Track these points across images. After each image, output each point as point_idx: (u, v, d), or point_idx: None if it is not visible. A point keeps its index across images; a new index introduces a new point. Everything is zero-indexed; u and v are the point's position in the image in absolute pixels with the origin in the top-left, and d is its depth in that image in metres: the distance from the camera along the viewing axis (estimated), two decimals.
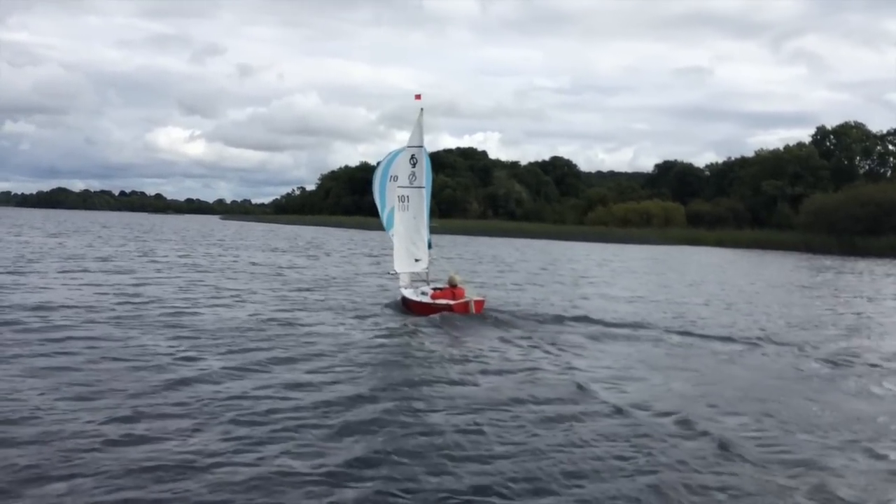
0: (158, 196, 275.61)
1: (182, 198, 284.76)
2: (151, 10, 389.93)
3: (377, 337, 13.75)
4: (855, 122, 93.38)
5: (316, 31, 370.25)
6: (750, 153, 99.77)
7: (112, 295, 17.68)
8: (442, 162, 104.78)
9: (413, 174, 17.93)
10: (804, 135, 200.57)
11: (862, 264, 45.90)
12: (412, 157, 17.92)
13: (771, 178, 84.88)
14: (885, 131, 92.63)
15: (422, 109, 17.86)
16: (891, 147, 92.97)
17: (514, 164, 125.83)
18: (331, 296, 19.85)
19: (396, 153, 18.92)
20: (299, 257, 36.42)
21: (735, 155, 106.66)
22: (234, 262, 31.26)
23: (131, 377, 9.57)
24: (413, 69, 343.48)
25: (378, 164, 20.19)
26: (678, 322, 16.75)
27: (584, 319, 16.30)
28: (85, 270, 23.86)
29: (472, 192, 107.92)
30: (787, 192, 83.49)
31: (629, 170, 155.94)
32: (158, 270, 25.31)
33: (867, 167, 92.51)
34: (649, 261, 44.71)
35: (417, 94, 17.95)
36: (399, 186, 17.92)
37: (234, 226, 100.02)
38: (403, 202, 17.92)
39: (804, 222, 68.52)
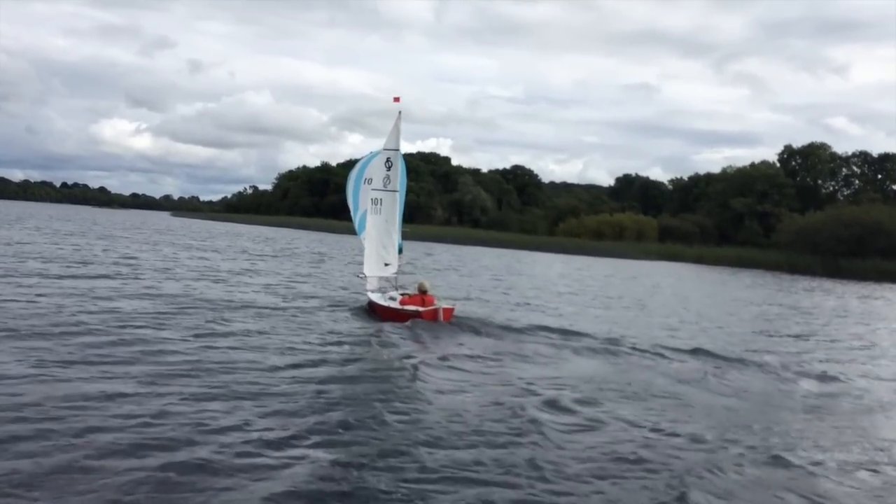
0: (102, 189, 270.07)
1: (126, 192, 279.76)
2: None
3: (339, 342, 13.84)
4: (821, 143, 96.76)
5: (270, 29, 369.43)
6: (696, 170, 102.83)
7: (77, 310, 14.63)
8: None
9: (388, 177, 18.20)
10: (748, 154, 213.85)
11: (852, 287, 46.09)
12: (388, 160, 18.15)
13: (738, 196, 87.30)
14: (850, 153, 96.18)
15: (399, 112, 18.02)
16: (855, 168, 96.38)
17: (476, 172, 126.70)
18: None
19: (373, 155, 19.08)
20: (286, 263, 34.47)
21: (682, 171, 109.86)
22: (212, 267, 28.59)
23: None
24: (367, 72, 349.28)
25: (354, 164, 20.45)
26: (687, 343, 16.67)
27: (561, 332, 16.56)
28: (42, 275, 20.23)
29: (435, 197, 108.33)
30: (755, 209, 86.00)
31: (579, 181, 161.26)
32: (135, 277, 22.09)
33: (831, 188, 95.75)
34: (638, 277, 44.03)
35: (396, 96, 18.14)
36: (373, 189, 18.14)
37: (190, 224, 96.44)
38: (376, 205, 18.15)
39: (785, 242, 69.33)
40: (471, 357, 13.05)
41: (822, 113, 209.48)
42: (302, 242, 58.35)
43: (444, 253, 55.95)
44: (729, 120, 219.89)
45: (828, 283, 49.30)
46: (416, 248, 56.14)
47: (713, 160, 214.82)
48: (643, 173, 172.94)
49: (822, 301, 34.03)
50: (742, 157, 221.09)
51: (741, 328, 21.19)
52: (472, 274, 35.88)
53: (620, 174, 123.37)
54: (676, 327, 20.11)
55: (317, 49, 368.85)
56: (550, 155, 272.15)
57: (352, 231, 20.13)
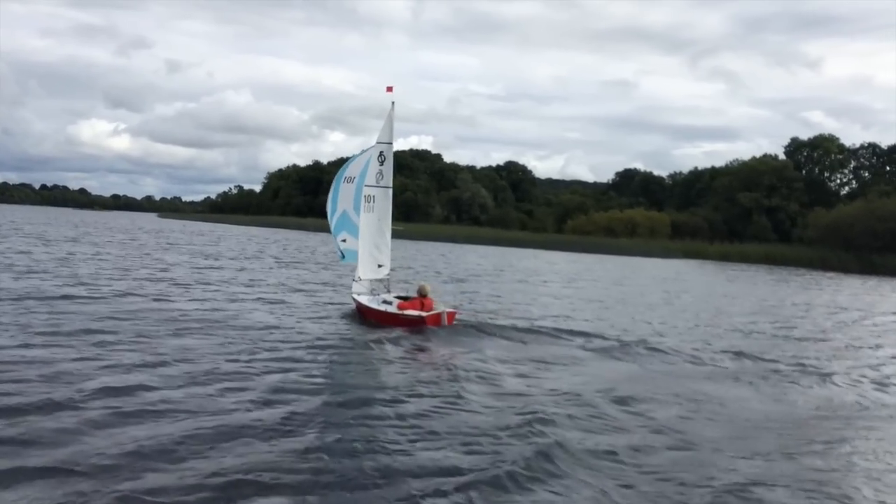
0: (83, 191, 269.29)
1: (107, 193, 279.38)
2: None
3: (342, 352, 13.18)
4: (829, 135, 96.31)
5: (248, 28, 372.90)
6: (677, 165, 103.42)
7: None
8: (399, 163, 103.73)
9: (381, 172, 17.51)
10: (728, 149, 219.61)
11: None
12: (381, 153, 17.46)
13: (745, 190, 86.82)
14: (857, 145, 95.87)
15: (393, 103, 17.46)
16: (863, 160, 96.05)
17: (471, 168, 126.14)
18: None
19: (357, 156, 18.77)
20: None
21: (663, 165, 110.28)
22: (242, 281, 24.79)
23: None
24: (348, 70, 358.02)
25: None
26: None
27: (580, 334, 16.13)
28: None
29: (432, 195, 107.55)
30: (763, 203, 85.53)
31: (561, 177, 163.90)
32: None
33: (838, 181, 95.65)
34: (692, 281, 41.05)
35: (389, 86, 17.58)
36: (366, 185, 17.43)
37: (182, 226, 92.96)
38: (370, 202, 17.42)
39: (813, 237, 68.07)
40: (476, 364, 12.41)
41: (799, 107, 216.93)
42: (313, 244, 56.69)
43: (469, 254, 54.61)
44: (708, 115, 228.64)
45: (875, 282, 48.09)
46: (430, 249, 55.54)
47: (693, 155, 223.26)
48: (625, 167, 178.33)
49: None
50: (722, 151, 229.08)
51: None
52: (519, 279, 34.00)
53: (599, 168, 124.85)
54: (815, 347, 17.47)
55: (297, 47, 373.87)
56: (532, 151, 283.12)
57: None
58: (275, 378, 10.41)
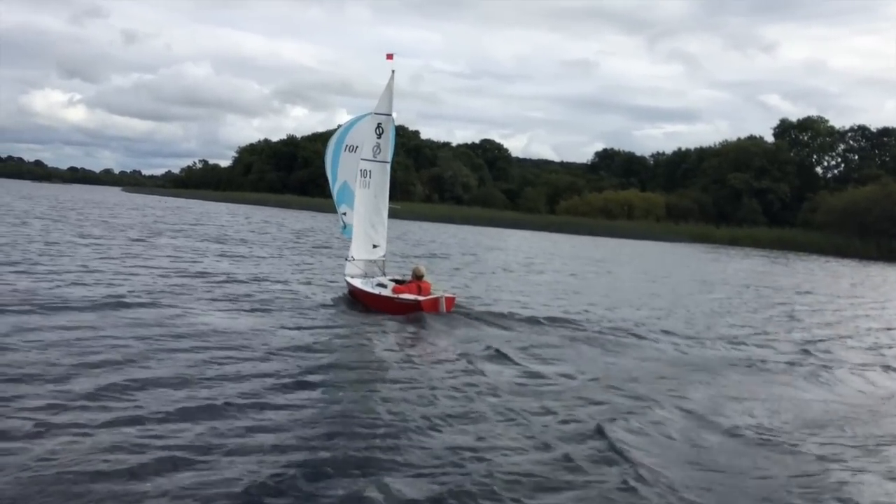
0: (38, 163, 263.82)
1: (63, 166, 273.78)
2: None
3: (330, 339, 12.48)
4: (818, 116, 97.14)
5: None
6: (638, 146, 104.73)
7: None
8: None
9: (378, 146, 16.89)
10: (688, 130, 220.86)
11: None
12: (378, 125, 16.83)
13: (735, 171, 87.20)
14: (846, 127, 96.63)
15: (393, 72, 16.88)
16: (852, 143, 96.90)
17: (446, 145, 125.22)
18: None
19: (357, 120, 17.99)
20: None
21: (624, 146, 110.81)
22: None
23: None
24: (310, 44, 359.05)
25: (336, 129, 19.14)
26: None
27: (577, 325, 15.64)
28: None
29: (412, 173, 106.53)
30: (753, 186, 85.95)
31: (524, 156, 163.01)
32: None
33: (825, 163, 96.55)
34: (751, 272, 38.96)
35: (389, 53, 17.04)
36: (362, 159, 16.83)
37: (156, 202, 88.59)
38: (365, 177, 16.83)
39: (823, 221, 67.89)
40: (477, 355, 11.76)
41: (756, 90, 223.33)
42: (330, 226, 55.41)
43: (475, 234, 54.28)
44: (668, 96, 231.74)
45: None
46: (419, 229, 54.87)
47: (654, 136, 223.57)
48: (586, 149, 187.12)
49: None
50: (683, 132, 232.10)
51: None
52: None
53: (562, 148, 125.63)
54: None
55: (257, 19, 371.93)
56: (496, 130, 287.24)
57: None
58: (259, 371, 9.79)
